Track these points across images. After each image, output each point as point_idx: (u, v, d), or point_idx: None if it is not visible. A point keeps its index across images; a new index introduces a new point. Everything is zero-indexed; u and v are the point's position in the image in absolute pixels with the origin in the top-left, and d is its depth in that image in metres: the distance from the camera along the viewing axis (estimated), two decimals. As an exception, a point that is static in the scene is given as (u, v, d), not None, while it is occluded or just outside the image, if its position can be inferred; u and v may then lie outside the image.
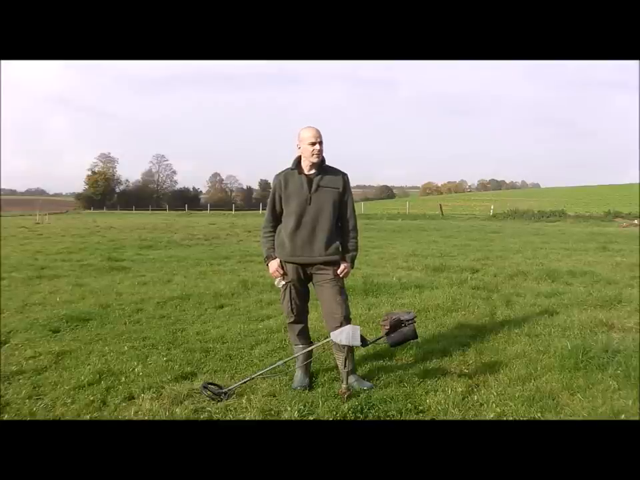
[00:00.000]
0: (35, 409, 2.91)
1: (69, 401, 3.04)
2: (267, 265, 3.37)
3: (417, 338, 3.16)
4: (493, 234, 17.19)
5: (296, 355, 3.35)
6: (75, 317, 4.97)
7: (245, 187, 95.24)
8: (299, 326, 3.40)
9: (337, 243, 3.26)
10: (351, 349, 3.08)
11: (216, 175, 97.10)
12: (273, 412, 2.89)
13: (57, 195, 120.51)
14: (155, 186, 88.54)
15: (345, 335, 2.97)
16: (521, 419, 2.76)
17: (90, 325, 4.83)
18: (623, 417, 2.71)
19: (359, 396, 3.01)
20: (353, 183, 3.43)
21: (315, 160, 3.19)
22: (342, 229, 3.32)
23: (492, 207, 34.16)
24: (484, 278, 7.32)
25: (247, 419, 2.81)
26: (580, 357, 3.54)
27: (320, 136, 3.18)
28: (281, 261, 3.30)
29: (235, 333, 4.49)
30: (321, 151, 3.18)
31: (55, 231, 19.78)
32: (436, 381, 3.27)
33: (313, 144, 3.16)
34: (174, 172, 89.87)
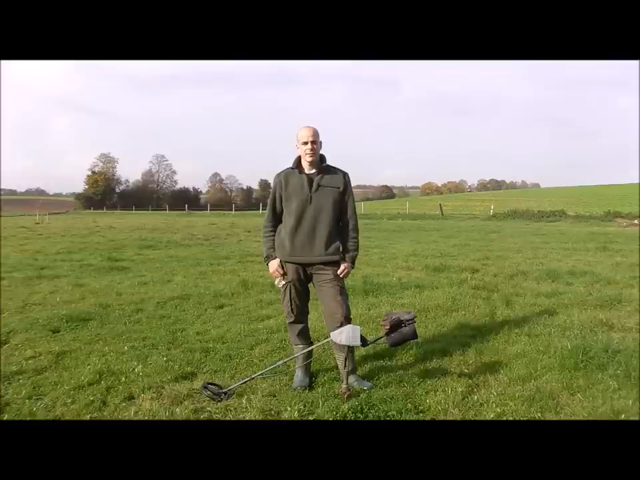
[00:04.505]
0: (35, 409, 2.90)
1: (69, 400, 3.04)
2: (267, 264, 3.37)
3: (417, 338, 3.16)
4: (492, 234, 17.18)
5: (296, 355, 3.35)
6: (75, 316, 4.98)
7: (244, 187, 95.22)
8: (299, 326, 3.40)
9: (337, 243, 3.26)
10: (351, 349, 3.08)
11: (216, 175, 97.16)
12: (273, 412, 2.89)
13: (57, 195, 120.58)
14: (155, 186, 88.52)
15: (345, 335, 2.97)
16: (521, 419, 2.76)
17: (90, 325, 4.83)
18: (622, 417, 2.71)
19: (359, 396, 3.01)
20: (353, 183, 3.43)
21: (308, 159, 3.20)
22: (342, 229, 3.32)
23: (492, 207, 34.14)
24: (484, 278, 7.32)
25: (247, 418, 2.81)
26: (580, 356, 3.54)
27: (313, 135, 3.17)
28: (281, 261, 3.29)
29: (235, 333, 4.49)
30: (313, 150, 3.17)
31: (55, 231, 19.78)
32: (436, 381, 3.27)
33: (305, 143, 3.16)
34: (174, 172, 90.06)
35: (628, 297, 5.81)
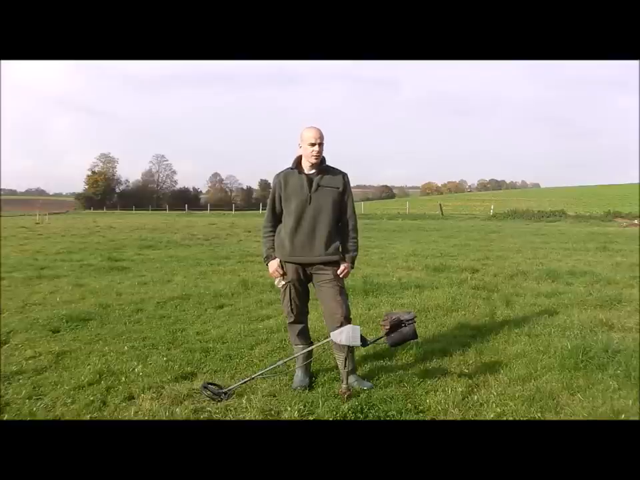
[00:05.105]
0: (35, 409, 2.90)
1: (69, 400, 3.04)
2: (267, 264, 3.37)
3: (416, 338, 3.16)
4: (492, 234, 17.18)
5: (296, 355, 3.35)
6: (75, 316, 4.97)
7: (244, 187, 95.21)
8: (299, 326, 3.40)
9: (337, 243, 3.26)
10: (351, 349, 3.08)
11: (216, 175, 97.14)
12: (273, 412, 2.89)
13: (57, 195, 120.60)
14: (155, 186, 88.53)
15: (345, 335, 2.97)
16: (521, 419, 2.76)
17: (90, 325, 4.83)
18: (622, 416, 2.71)
19: (359, 396, 3.01)
20: (353, 183, 3.44)
21: (313, 161, 3.20)
22: (342, 229, 3.32)
23: (492, 207, 34.13)
24: (484, 278, 7.32)
25: (247, 418, 2.81)
26: (580, 356, 3.54)
27: (321, 137, 3.17)
28: (280, 261, 3.29)
29: (235, 333, 4.49)
30: (320, 152, 3.18)
31: (55, 231, 19.78)
32: (436, 381, 3.27)
33: (313, 145, 3.15)
34: (174, 172, 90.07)
35: (628, 296, 5.81)
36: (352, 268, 3.36)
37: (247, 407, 2.92)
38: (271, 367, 3.30)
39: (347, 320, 3.17)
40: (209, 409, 2.93)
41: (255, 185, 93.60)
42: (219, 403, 2.99)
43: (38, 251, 11.71)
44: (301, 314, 3.39)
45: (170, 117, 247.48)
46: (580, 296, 5.85)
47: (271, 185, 3.42)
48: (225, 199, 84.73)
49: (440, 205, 35.89)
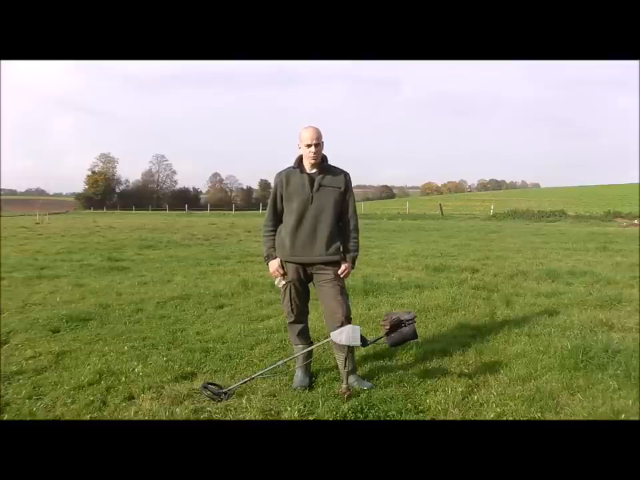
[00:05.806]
0: (35, 409, 2.90)
1: (69, 400, 3.04)
2: (267, 264, 3.36)
3: (416, 338, 3.16)
4: (492, 234, 17.18)
5: (296, 355, 3.35)
6: (75, 316, 4.97)
7: (244, 187, 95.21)
8: (299, 326, 3.40)
9: (338, 243, 3.26)
10: (351, 349, 3.08)
11: (216, 175, 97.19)
12: (273, 412, 2.89)
13: (57, 195, 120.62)
14: (155, 186, 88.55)
15: (345, 335, 2.97)
16: (521, 419, 2.76)
17: (90, 325, 4.83)
18: (622, 416, 2.71)
19: (359, 396, 3.01)
20: (353, 183, 3.43)
21: (312, 161, 3.19)
22: (343, 229, 3.31)
23: (492, 207, 34.13)
24: (484, 278, 7.32)
25: (247, 418, 2.81)
26: (580, 356, 3.54)
27: (318, 137, 3.15)
28: (281, 261, 3.29)
29: (235, 332, 4.49)
30: (316, 153, 3.16)
31: (55, 231, 19.78)
32: (436, 381, 3.27)
33: (309, 146, 3.14)
34: (174, 172, 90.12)
35: (628, 296, 5.81)
36: (352, 268, 3.36)
37: (246, 407, 2.92)
38: (271, 367, 3.30)
39: (348, 320, 3.17)
40: (209, 408, 2.93)
41: (255, 185, 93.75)
42: (218, 403, 2.99)
43: (38, 251, 11.71)
44: (301, 314, 3.39)
45: (170, 116, 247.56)
46: (580, 296, 5.85)
47: (272, 183, 3.42)
48: (225, 199, 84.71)
49: (440, 205, 35.89)
